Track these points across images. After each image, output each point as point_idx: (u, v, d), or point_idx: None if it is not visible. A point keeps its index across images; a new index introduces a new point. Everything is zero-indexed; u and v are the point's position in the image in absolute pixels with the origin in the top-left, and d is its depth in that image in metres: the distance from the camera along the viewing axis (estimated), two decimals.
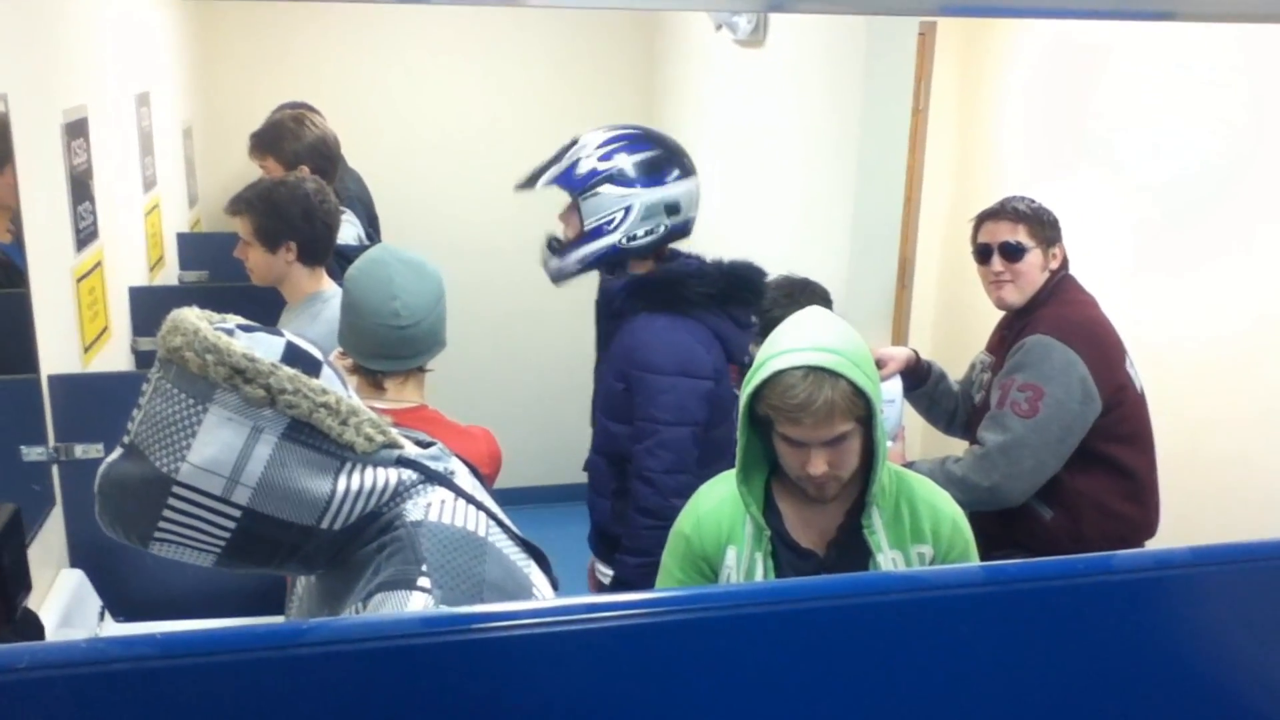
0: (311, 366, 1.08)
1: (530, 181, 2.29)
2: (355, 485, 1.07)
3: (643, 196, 2.21)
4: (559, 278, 2.32)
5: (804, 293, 2.42)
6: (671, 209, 2.24)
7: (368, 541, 1.09)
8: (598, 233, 2.23)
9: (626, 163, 2.22)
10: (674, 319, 2.21)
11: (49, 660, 0.79)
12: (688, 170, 2.28)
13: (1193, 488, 2.63)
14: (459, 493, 1.14)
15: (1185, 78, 3.08)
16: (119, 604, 2.39)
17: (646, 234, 2.22)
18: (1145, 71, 3.25)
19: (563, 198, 2.28)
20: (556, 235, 2.33)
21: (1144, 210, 3.27)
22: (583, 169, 2.23)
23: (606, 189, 2.21)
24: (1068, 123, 3.63)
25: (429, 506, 1.10)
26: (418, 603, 1.02)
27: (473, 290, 4.42)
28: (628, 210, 2.21)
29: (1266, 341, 2.84)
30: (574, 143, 2.28)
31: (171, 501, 1.01)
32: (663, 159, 2.25)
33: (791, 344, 1.61)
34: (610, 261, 2.26)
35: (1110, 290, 2.48)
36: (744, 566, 1.72)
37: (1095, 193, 3.43)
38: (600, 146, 2.24)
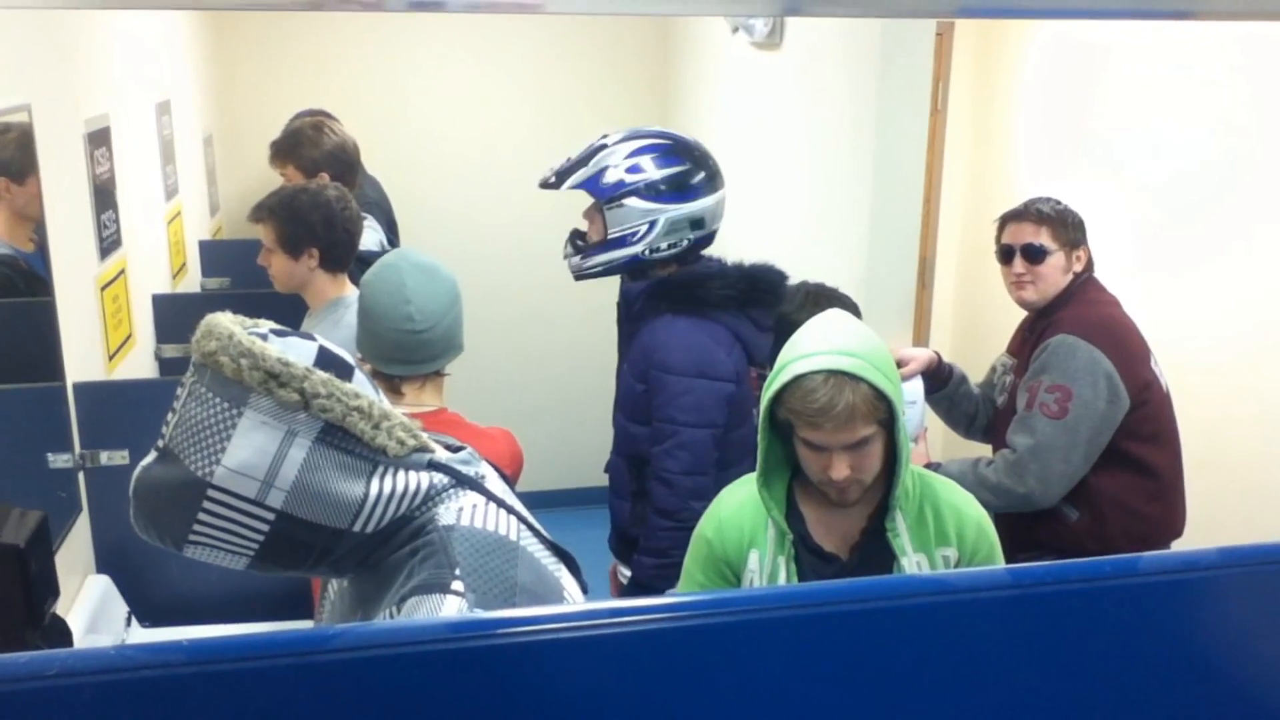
0: (344, 371, 1.09)
1: (556, 182, 2.26)
2: (388, 488, 1.07)
3: (669, 212, 2.20)
4: (579, 275, 2.31)
5: (831, 303, 2.41)
6: (696, 224, 2.23)
7: (400, 545, 1.09)
8: (621, 242, 2.22)
9: (654, 176, 2.20)
10: (694, 321, 2.21)
11: (78, 667, 0.79)
12: (715, 184, 2.26)
13: (1201, 488, 2.61)
14: (490, 497, 1.14)
15: (1186, 77, 3.07)
16: (145, 609, 2.41)
17: (670, 247, 2.22)
18: (1148, 72, 3.23)
19: (587, 197, 2.27)
20: (581, 231, 2.33)
21: (1144, 210, 3.26)
22: (610, 178, 2.21)
23: (632, 201, 2.19)
24: (1078, 125, 3.61)
25: (461, 511, 1.11)
26: (451, 607, 1.02)
27: (490, 294, 4.44)
28: (652, 225, 2.20)
29: (1267, 342, 2.82)
30: (602, 145, 2.25)
31: (206, 505, 1.02)
32: (691, 174, 2.23)
33: (812, 348, 1.60)
34: (632, 270, 2.27)
35: (1111, 290, 2.48)
36: (766, 570, 1.72)
37: (1104, 193, 3.41)
38: (629, 157, 2.21)
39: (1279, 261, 2.79)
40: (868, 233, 2.87)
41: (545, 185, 2.30)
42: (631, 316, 2.30)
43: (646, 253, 2.22)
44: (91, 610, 2.19)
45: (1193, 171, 3.06)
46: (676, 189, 2.21)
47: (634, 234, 2.21)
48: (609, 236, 2.23)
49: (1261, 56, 2.83)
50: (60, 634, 1.65)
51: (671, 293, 2.23)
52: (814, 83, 3.29)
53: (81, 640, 2.03)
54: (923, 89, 2.84)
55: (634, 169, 2.21)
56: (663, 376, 2.18)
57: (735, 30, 3.82)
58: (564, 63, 4.82)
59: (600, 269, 2.26)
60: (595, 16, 4.75)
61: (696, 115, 4.53)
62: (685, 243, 2.23)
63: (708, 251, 2.37)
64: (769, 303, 2.28)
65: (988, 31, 4.15)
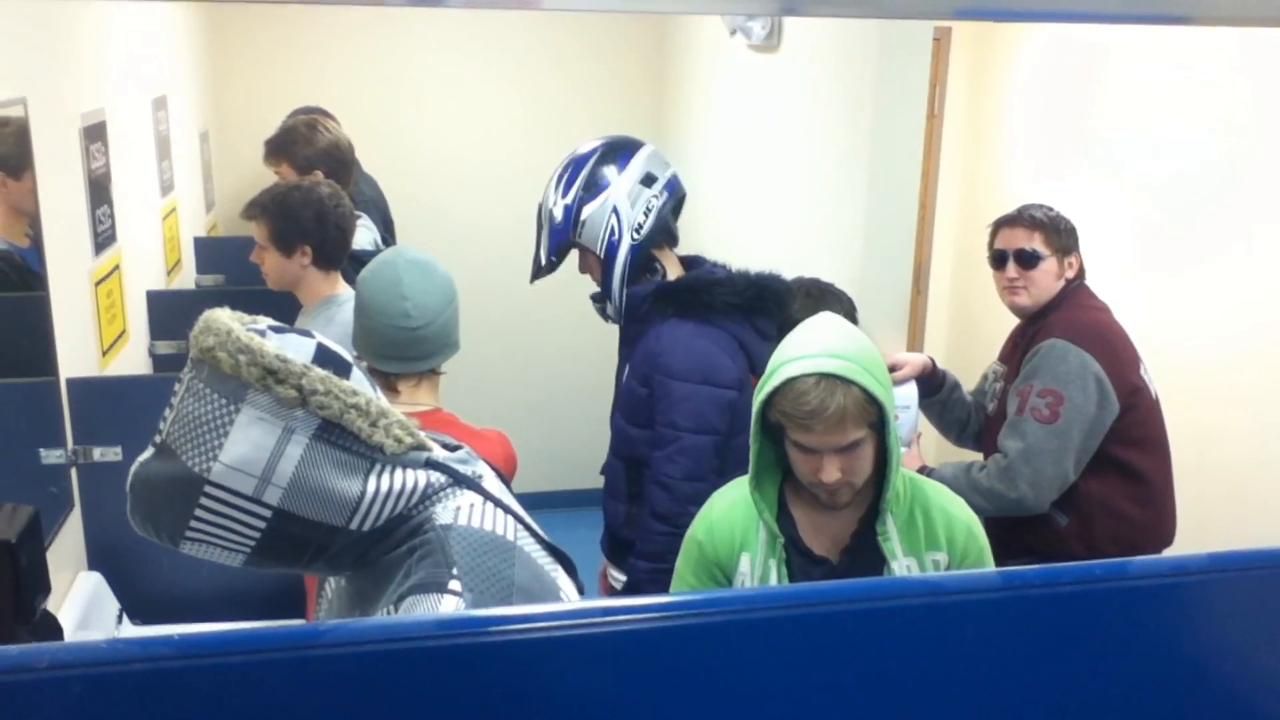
0: (342, 368, 1.09)
1: (537, 266, 2.32)
2: (385, 486, 1.07)
3: (617, 188, 2.23)
4: (623, 315, 2.32)
5: (826, 298, 2.41)
6: (647, 180, 2.25)
7: (397, 544, 1.09)
8: (612, 249, 2.24)
9: (583, 177, 2.25)
10: (700, 326, 2.22)
11: (69, 660, 0.79)
12: (633, 144, 2.30)
13: (1198, 492, 2.62)
14: (487, 496, 1.14)
15: (1186, 77, 3.08)
16: (137, 606, 2.40)
17: (646, 214, 2.24)
18: (1148, 72, 3.25)
19: (574, 260, 2.31)
20: (593, 288, 2.35)
21: (1144, 210, 3.27)
22: (559, 215, 2.25)
23: (587, 211, 2.23)
24: (1078, 125, 3.62)
25: (458, 510, 1.11)
26: (449, 606, 1.02)
27: (485, 294, 4.44)
28: (615, 210, 2.22)
29: (1267, 342, 2.83)
30: (538, 209, 2.31)
31: (203, 501, 1.02)
32: (606, 153, 2.27)
33: (803, 350, 1.61)
34: (641, 266, 2.27)
35: (1111, 291, 2.48)
36: (757, 573, 1.72)
37: (1104, 193, 3.42)
38: (556, 189, 2.27)
39: (1279, 262, 2.80)
40: (863, 237, 2.88)
41: (537, 277, 2.34)
42: (636, 319, 2.30)
43: (635, 236, 2.23)
44: (83, 607, 2.19)
45: (1193, 171, 3.07)
46: (606, 173, 2.24)
47: (613, 231, 2.23)
48: (601, 255, 2.25)
49: (1261, 56, 2.84)
50: (51, 630, 1.65)
51: (677, 297, 2.24)
52: (811, 86, 3.30)
53: (72, 637, 2.02)
54: (919, 94, 2.84)
55: (565, 190, 2.26)
56: (667, 382, 2.19)
57: (733, 33, 3.83)
58: (562, 64, 4.82)
59: (622, 287, 2.27)
60: (593, 19, 4.76)
61: (693, 118, 4.54)
62: (654, 201, 2.25)
63: (713, 257, 2.39)
64: (773, 312, 2.29)
65: (984, 36, 4.16)
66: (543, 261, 2.31)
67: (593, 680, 0.89)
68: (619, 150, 2.28)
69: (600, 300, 2.34)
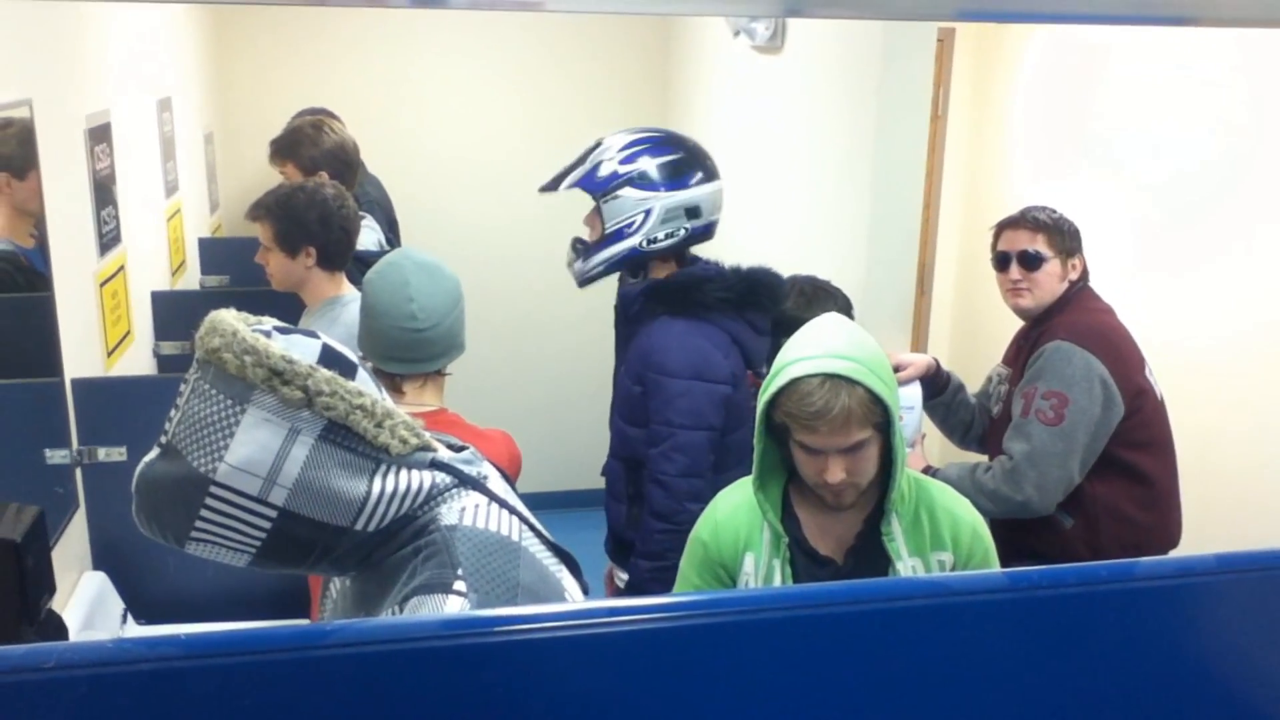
0: (348, 369, 1.09)
1: (553, 184, 2.31)
2: (390, 487, 1.08)
3: (663, 199, 2.21)
4: (583, 280, 2.33)
5: (819, 295, 2.41)
6: (692, 212, 2.24)
7: (402, 545, 1.10)
8: (618, 235, 2.24)
9: (648, 165, 2.23)
10: (692, 323, 2.21)
11: (75, 659, 0.79)
12: (710, 174, 2.29)
13: (1200, 493, 2.61)
14: (492, 497, 1.14)
15: (1186, 77, 3.08)
16: (141, 606, 2.40)
17: (667, 236, 2.23)
18: (1149, 72, 3.24)
19: (588, 200, 2.29)
20: (582, 238, 2.35)
21: (1144, 210, 3.27)
22: (604, 172, 2.24)
23: (627, 192, 2.21)
24: (1080, 125, 3.62)
25: (463, 511, 1.11)
26: (454, 606, 1.02)
27: (490, 295, 4.44)
28: (647, 213, 2.21)
29: (1267, 342, 2.82)
30: (597, 145, 2.29)
31: (208, 501, 1.02)
32: (685, 162, 2.26)
33: (808, 351, 1.60)
34: (632, 264, 2.27)
35: (1111, 291, 2.48)
36: (761, 573, 1.72)
37: (1104, 193, 3.42)
38: (622, 149, 2.25)
39: (1279, 262, 2.80)
40: (867, 238, 2.88)
41: (544, 189, 2.33)
42: (629, 319, 2.31)
43: (644, 244, 2.22)
44: (87, 607, 2.19)
45: (1193, 171, 3.07)
46: (670, 177, 2.23)
47: (630, 225, 2.22)
48: (606, 231, 2.24)
49: (1261, 56, 2.84)
50: (56, 630, 1.65)
51: (669, 295, 2.24)
52: (815, 87, 3.30)
53: (77, 637, 2.02)
54: (923, 95, 2.84)
55: (628, 160, 2.24)
56: (660, 379, 2.19)
57: (737, 34, 3.83)
58: (566, 66, 4.82)
59: (601, 267, 2.27)
60: (597, 19, 4.76)
61: (697, 119, 4.54)
62: (682, 232, 2.24)
63: (705, 254, 2.38)
64: (766, 306, 2.29)
65: (986, 37, 4.16)
66: (560, 189, 2.29)
67: (598, 681, 0.89)
68: (693, 167, 2.26)
69: (578, 253, 2.33)
